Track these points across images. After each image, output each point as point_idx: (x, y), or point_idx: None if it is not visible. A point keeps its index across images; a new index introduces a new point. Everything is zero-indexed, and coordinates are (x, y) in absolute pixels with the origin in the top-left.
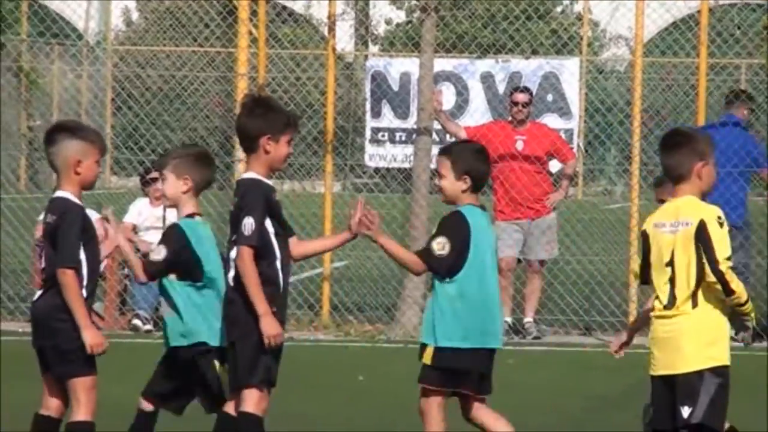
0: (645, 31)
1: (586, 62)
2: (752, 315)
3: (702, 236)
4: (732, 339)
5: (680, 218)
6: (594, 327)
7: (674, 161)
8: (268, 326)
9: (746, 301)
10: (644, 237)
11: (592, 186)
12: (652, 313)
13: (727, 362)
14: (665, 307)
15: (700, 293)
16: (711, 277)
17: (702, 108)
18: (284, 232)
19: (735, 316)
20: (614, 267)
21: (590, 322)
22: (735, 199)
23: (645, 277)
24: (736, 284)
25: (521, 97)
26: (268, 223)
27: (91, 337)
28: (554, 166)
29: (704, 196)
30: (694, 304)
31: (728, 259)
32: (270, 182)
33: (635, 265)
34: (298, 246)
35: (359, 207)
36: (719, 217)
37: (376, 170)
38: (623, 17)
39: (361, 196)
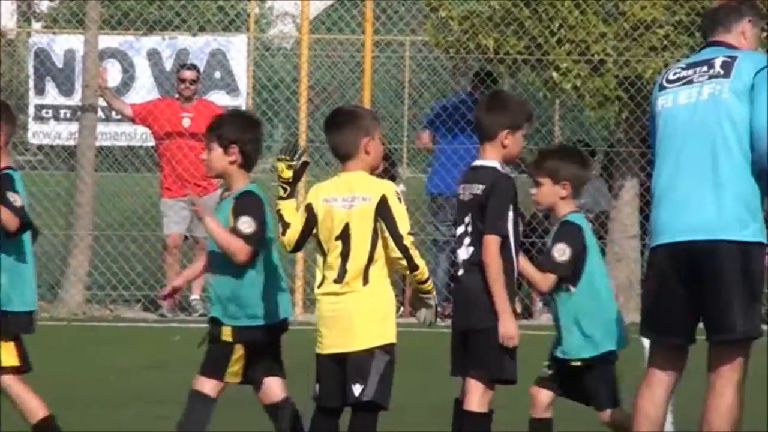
0: (311, 8)
1: (253, 39)
2: (433, 293)
3: (384, 211)
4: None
5: (355, 193)
6: None
7: (340, 140)
8: None
9: (428, 278)
10: (308, 209)
11: (260, 163)
12: (317, 291)
13: (395, 339)
14: (335, 282)
15: (371, 270)
16: (396, 253)
17: (368, 85)
18: None
19: (416, 296)
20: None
21: None
22: None
23: (299, 244)
24: (419, 260)
25: (188, 74)
26: None
27: None
28: None
29: (372, 170)
30: (365, 281)
31: (410, 233)
32: None
33: (293, 235)
34: None
35: None
36: (397, 192)
37: (40, 147)
38: None
39: None
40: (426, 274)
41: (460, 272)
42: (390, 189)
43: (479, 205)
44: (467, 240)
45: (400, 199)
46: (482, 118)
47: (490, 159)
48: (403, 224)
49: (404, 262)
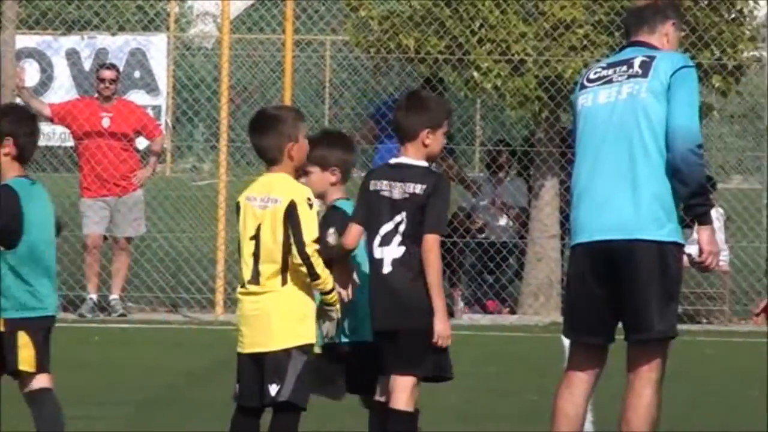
0: (232, 8)
1: (173, 39)
2: (337, 306)
3: (291, 217)
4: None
5: (271, 194)
6: (181, 304)
7: (265, 144)
8: None
9: (331, 290)
10: (237, 209)
11: (181, 163)
12: (239, 290)
13: (314, 340)
14: (249, 282)
15: (290, 271)
16: (297, 259)
17: (288, 84)
18: None
19: (320, 307)
20: (201, 244)
21: (177, 299)
22: None
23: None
24: (321, 269)
25: (108, 74)
26: None
27: None
28: (142, 142)
29: (297, 170)
30: (284, 282)
31: (315, 241)
32: None
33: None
34: None
35: None
36: (309, 199)
37: None
38: None
39: None
40: (329, 286)
41: (385, 270)
42: (301, 195)
43: (418, 206)
44: (398, 238)
45: (311, 206)
46: (402, 119)
47: (415, 158)
48: (309, 232)
49: (305, 270)
